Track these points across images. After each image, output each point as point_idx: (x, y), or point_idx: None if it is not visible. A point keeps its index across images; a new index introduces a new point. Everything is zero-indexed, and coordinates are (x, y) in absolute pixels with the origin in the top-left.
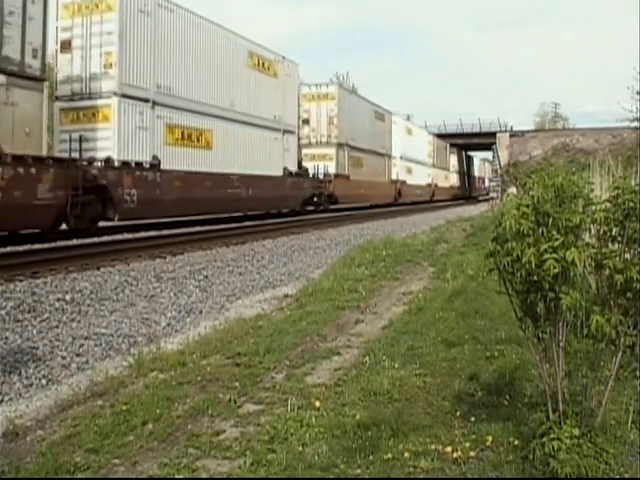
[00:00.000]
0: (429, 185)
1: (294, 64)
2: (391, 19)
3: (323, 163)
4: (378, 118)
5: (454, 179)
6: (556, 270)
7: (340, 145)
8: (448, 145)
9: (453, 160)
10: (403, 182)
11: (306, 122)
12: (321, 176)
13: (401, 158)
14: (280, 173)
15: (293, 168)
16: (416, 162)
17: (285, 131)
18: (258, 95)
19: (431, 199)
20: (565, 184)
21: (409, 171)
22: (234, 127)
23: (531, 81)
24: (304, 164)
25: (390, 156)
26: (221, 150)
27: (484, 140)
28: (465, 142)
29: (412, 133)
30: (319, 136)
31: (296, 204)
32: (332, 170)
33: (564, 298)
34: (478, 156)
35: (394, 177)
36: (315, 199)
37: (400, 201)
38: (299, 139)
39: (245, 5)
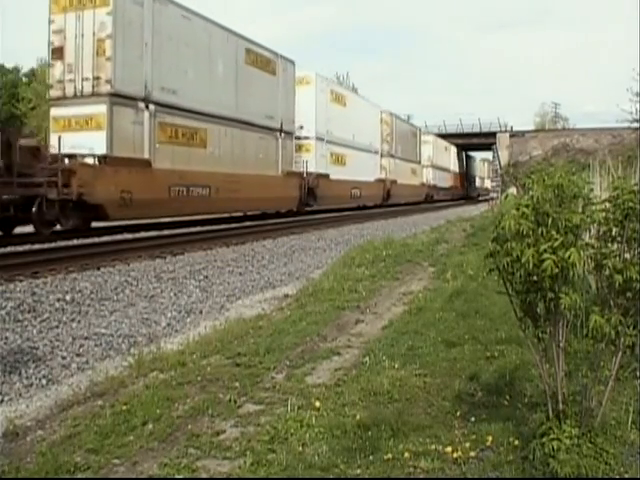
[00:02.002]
0: (380, 182)
1: None
2: (391, 19)
3: (85, 135)
4: (254, 64)
5: (429, 175)
6: (556, 270)
7: (121, 99)
8: (419, 130)
9: (428, 150)
10: (322, 177)
11: (58, 54)
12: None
13: (321, 139)
14: None
15: None
16: (354, 148)
17: None
18: None
19: (384, 202)
20: (565, 184)
21: (338, 160)
22: None
23: (531, 81)
24: (54, 137)
25: (290, 133)
26: None
27: (484, 140)
28: (465, 142)
29: (346, 103)
30: (79, 80)
31: None
32: (100, 149)
33: (563, 298)
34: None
35: (301, 168)
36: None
37: (315, 207)
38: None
39: (245, 6)
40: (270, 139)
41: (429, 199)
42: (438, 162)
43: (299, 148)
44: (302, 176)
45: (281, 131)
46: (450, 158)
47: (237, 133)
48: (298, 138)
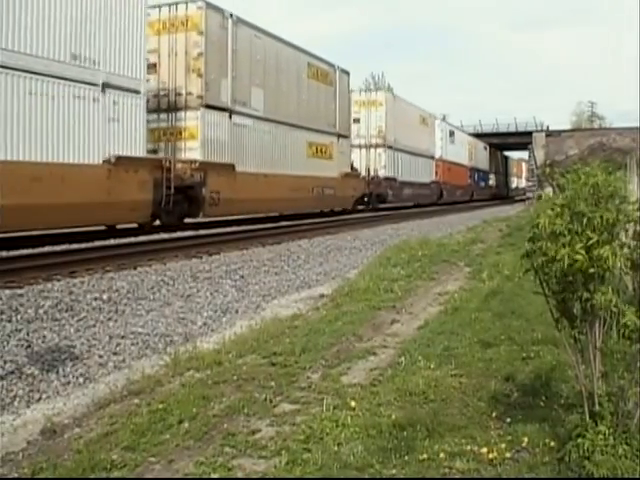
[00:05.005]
0: (152, 165)
1: None
2: (426, 19)
3: None
4: None
5: (379, 162)
6: (591, 270)
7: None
8: (341, 72)
9: (378, 118)
10: None
11: None
12: None
13: None
14: None
15: None
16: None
17: None
18: None
19: (183, 217)
20: (600, 183)
21: None
22: None
23: (568, 80)
24: None
25: None
26: None
27: (520, 140)
28: (501, 142)
29: None
30: None
31: None
32: None
33: (598, 297)
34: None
35: None
36: None
37: None
38: None
39: (277, 7)
40: None
41: (378, 201)
42: (402, 140)
43: None
44: None
45: None
46: (436, 139)
47: None
48: None
